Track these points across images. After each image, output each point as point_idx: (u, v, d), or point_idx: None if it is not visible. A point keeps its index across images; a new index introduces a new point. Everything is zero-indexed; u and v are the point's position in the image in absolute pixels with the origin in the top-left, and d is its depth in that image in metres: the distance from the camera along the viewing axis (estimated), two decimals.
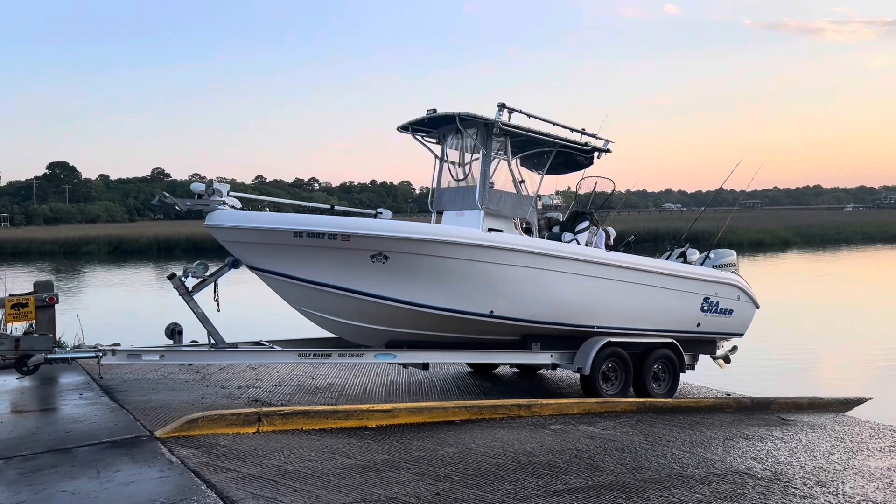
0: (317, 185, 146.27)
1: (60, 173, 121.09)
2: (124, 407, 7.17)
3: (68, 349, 8.17)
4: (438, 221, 9.52)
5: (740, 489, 5.57)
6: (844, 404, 9.97)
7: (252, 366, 9.93)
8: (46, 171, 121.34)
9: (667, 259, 10.58)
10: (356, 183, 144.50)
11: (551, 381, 10.67)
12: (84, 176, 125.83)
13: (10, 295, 9.19)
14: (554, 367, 9.45)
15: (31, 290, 9.66)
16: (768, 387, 11.77)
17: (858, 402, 10.10)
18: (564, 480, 5.50)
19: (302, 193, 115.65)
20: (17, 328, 9.56)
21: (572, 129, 9.43)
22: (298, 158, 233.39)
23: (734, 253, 11.01)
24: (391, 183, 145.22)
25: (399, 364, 9.09)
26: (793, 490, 5.63)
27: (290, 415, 6.60)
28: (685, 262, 10.40)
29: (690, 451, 6.71)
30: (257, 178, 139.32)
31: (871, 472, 6.36)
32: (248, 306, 14.51)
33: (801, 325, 19.73)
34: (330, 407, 7.01)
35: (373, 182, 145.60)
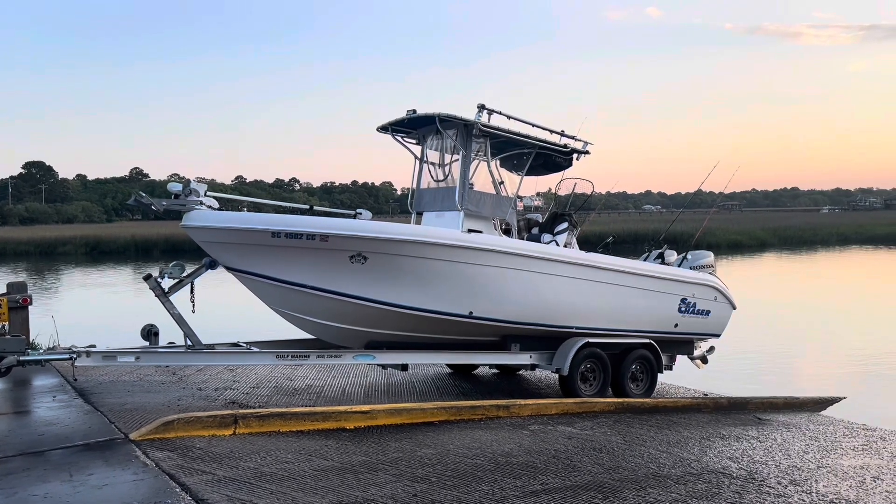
0: (297, 185, 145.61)
1: (37, 173, 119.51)
2: (99, 409, 7.08)
3: (42, 351, 8.07)
4: (418, 222, 9.51)
5: (716, 488, 5.61)
6: (819, 404, 10.10)
7: (229, 367, 9.86)
8: (22, 170, 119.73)
9: (645, 260, 10.65)
10: (337, 183, 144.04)
11: (531, 381, 10.69)
12: (61, 176, 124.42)
13: None
14: (533, 367, 9.47)
15: (4, 290, 9.52)
16: (744, 387, 11.89)
17: (833, 401, 10.23)
18: (542, 481, 5.51)
19: (282, 194, 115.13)
20: None
21: (552, 131, 9.47)
22: (279, 159, 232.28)
23: (711, 254, 11.11)
24: (372, 184, 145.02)
25: (378, 365, 9.06)
26: (767, 489, 5.68)
27: (266, 416, 6.55)
28: (663, 263, 10.49)
29: (667, 450, 6.75)
30: (237, 178, 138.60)
31: (844, 471, 6.44)
32: (226, 307, 14.43)
33: (777, 325, 19.94)
34: (307, 408, 6.98)
35: (354, 183, 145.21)
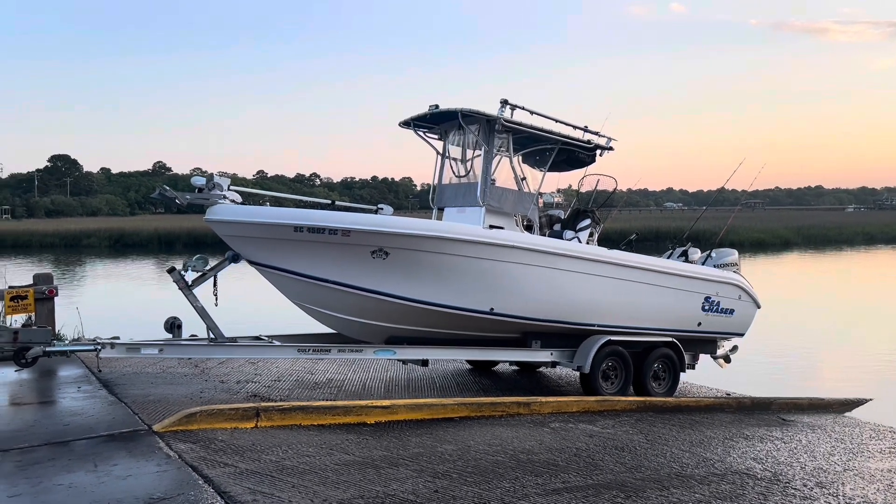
0: (318, 180, 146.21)
1: (62, 166, 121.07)
2: (122, 400, 7.15)
3: (67, 342, 8.16)
4: (440, 218, 9.49)
5: (740, 489, 5.54)
6: (845, 405, 9.95)
7: (251, 360, 9.91)
8: (48, 163, 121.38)
9: (668, 258, 10.55)
10: (357, 179, 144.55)
11: (551, 378, 10.64)
12: (85, 169, 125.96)
13: (10, 287, 9.16)
14: (554, 364, 9.42)
15: (31, 282, 9.63)
16: (768, 387, 11.74)
17: (859, 403, 10.07)
18: (563, 479, 5.47)
19: (303, 189, 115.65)
20: (17, 320, 9.55)
21: (575, 127, 9.39)
22: (300, 154, 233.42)
23: (736, 252, 10.98)
24: (392, 179, 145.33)
25: (398, 360, 9.06)
26: (793, 491, 5.60)
27: (288, 410, 6.58)
28: (686, 261, 10.38)
29: (690, 450, 6.68)
30: (259, 172, 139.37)
31: (871, 474, 6.34)
32: (248, 301, 14.51)
33: (801, 325, 19.70)
34: (329, 402, 6.99)
35: (374, 178, 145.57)
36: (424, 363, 8.78)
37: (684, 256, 10.49)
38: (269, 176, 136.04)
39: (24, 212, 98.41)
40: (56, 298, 9.66)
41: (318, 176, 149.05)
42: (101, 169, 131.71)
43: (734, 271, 10.55)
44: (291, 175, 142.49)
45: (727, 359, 10.86)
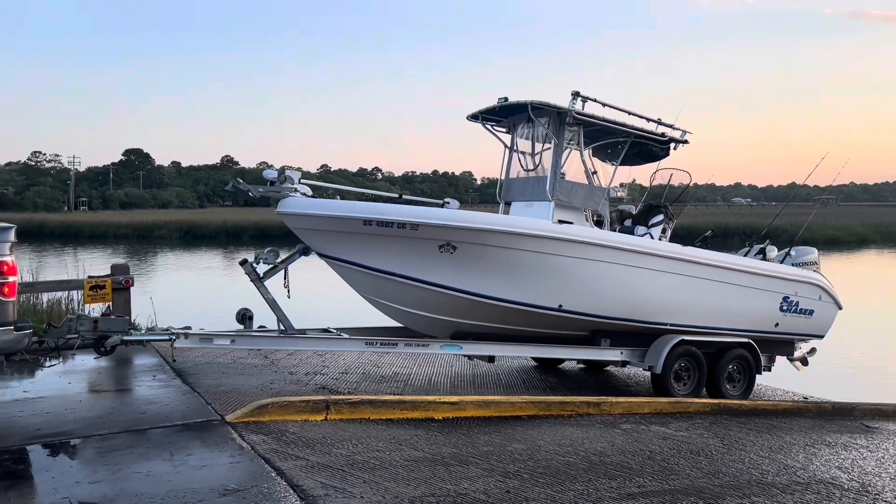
0: (380, 174, 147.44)
1: (135, 160, 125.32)
2: (196, 390, 7.28)
3: (142, 331, 8.36)
4: (507, 212, 9.37)
5: (826, 500, 5.27)
6: None
7: (319, 352, 9.99)
8: (122, 157, 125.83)
9: (745, 256, 10.18)
10: (418, 173, 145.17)
11: (619, 378, 10.41)
12: (157, 163, 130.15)
13: (89, 277, 9.45)
14: (623, 364, 9.19)
15: (109, 272, 9.92)
16: (848, 391, 11.22)
17: None
18: (638, 483, 5.31)
19: (365, 183, 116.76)
20: (95, 309, 9.85)
21: (648, 119, 9.13)
22: (362, 148, 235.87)
23: (815, 251, 10.51)
24: (453, 173, 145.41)
25: (464, 356, 8.99)
26: (883, 503, 5.30)
27: (357, 404, 6.58)
28: (764, 259, 9.99)
29: (769, 456, 6.41)
30: (322, 166, 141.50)
31: None
32: (317, 293, 14.65)
33: (883, 327, 18.81)
34: (396, 397, 6.97)
35: (434, 172, 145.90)
36: (490, 359, 8.70)
37: (762, 254, 10.10)
38: (332, 170, 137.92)
39: (100, 203, 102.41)
40: (131, 288, 9.93)
41: (380, 170, 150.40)
42: (172, 163, 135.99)
43: (814, 270, 10.11)
44: (354, 169, 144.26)
45: (805, 361, 10.43)
